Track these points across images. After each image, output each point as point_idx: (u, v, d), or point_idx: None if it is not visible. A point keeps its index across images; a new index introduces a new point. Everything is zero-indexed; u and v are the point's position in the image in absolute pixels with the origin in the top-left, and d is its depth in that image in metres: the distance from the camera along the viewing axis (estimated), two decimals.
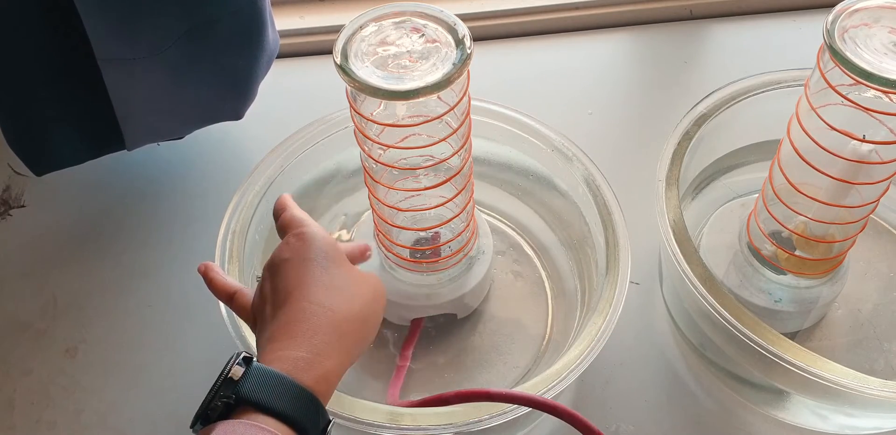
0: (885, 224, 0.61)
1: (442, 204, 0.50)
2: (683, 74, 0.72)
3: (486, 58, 0.71)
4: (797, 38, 0.74)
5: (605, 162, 0.55)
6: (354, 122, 0.45)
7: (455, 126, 0.45)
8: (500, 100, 0.56)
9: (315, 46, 0.72)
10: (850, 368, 0.46)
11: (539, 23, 0.74)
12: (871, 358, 0.56)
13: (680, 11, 0.75)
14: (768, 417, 0.55)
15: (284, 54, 0.71)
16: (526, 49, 0.74)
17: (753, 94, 0.57)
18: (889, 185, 0.49)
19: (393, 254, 0.53)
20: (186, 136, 0.63)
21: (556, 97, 0.70)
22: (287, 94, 0.69)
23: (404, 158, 0.47)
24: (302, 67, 0.72)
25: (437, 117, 0.44)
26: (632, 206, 0.53)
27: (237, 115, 0.61)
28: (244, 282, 0.50)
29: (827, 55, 0.43)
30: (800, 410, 0.54)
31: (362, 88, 0.41)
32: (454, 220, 0.51)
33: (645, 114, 0.70)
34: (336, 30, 0.43)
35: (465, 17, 0.54)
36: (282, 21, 0.71)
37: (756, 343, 0.47)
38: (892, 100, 0.43)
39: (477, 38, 0.42)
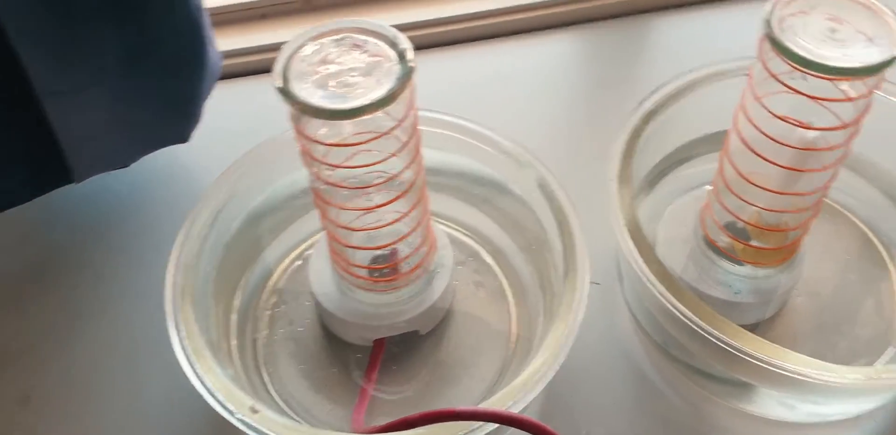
0: (838, 207, 0.62)
1: (397, 220, 0.49)
2: (632, 70, 0.72)
3: (432, 66, 0.70)
4: (739, 27, 0.74)
5: (558, 164, 0.54)
6: (300, 144, 0.45)
7: (405, 139, 0.45)
8: (448, 108, 0.55)
9: (259, 65, 0.71)
10: (813, 353, 0.46)
11: (482, 27, 0.73)
12: (832, 342, 0.56)
13: (622, 7, 0.75)
14: (736, 410, 0.55)
15: (227, 75, 0.70)
16: (471, 55, 0.73)
17: (699, 87, 0.57)
18: (839, 170, 0.49)
19: (350, 274, 0.52)
20: (133, 165, 0.62)
21: (504, 102, 0.70)
22: (232, 116, 0.67)
23: (354, 177, 0.46)
24: (246, 88, 0.70)
25: (386, 132, 0.43)
26: (588, 206, 0.53)
27: (183, 137, 0.60)
28: (199, 316, 0.48)
29: (767, 44, 0.44)
30: (766, 402, 0.54)
31: (305, 109, 0.40)
32: (411, 234, 0.50)
33: (595, 113, 0.69)
34: (279, 47, 0.43)
35: (407, 27, 0.53)
36: (223, 41, 0.70)
37: (715, 337, 0.47)
38: (834, 85, 0.44)
39: (421, 47, 0.42)
